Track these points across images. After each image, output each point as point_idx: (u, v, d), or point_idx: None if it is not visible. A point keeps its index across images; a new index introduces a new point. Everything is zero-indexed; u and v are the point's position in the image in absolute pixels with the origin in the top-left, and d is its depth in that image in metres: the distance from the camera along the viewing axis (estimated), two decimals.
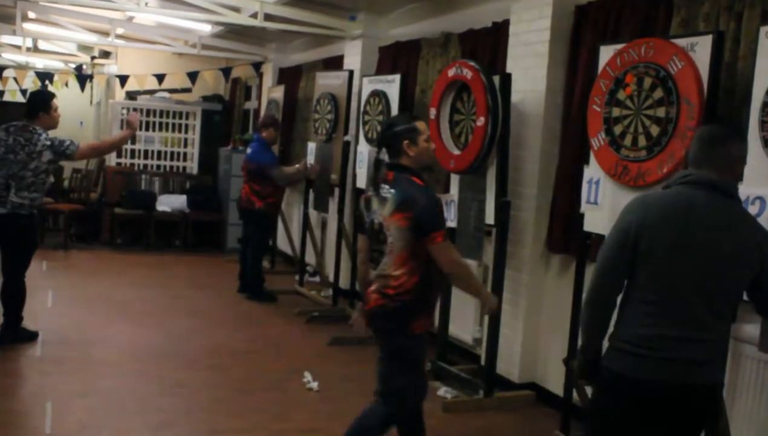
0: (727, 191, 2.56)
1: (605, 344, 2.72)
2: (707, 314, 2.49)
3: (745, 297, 3.12)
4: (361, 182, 6.50)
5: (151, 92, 11.28)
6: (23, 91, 12.56)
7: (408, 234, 3.26)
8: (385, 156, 3.46)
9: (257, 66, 10.40)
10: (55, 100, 5.61)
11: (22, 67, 13.14)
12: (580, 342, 2.77)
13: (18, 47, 11.83)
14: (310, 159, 7.45)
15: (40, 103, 5.53)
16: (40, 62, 13.98)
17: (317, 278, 8.27)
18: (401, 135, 3.39)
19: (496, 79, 4.76)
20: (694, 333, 2.48)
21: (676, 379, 2.49)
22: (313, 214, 7.87)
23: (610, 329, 2.69)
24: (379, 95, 6.20)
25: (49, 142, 5.35)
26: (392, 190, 3.31)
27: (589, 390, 4.23)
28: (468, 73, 4.84)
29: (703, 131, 2.73)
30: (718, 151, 2.60)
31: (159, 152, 11.17)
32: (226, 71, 10.73)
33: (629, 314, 2.58)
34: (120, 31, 9.58)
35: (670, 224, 2.50)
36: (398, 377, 3.46)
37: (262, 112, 9.52)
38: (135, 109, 10.77)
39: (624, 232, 2.55)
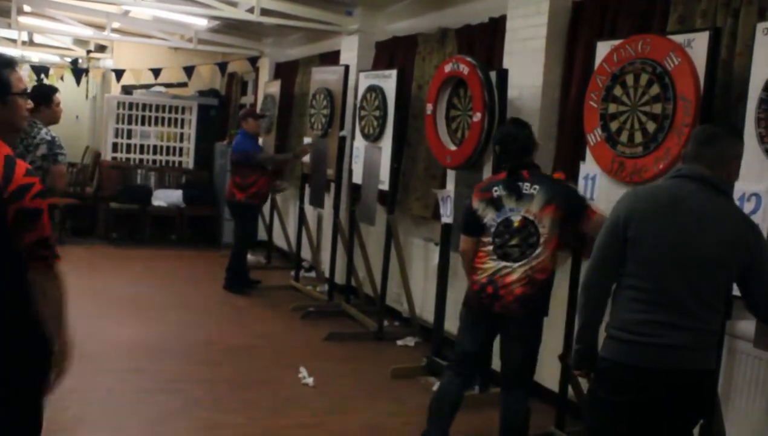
0: (717, 186, 2.60)
1: (601, 335, 2.73)
2: (694, 303, 2.53)
3: (739, 293, 3.13)
4: (357, 178, 6.50)
5: (147, 87, 11.24)
6: None
7: (561, 222, 3.65)
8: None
9: (253, 61, 10.38)
10: (58, 95, 5.58)
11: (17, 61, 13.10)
12: (576, 332, 2.80)
13: (13, 41, 11.78)
14: (306, 156, 7.45)
15: (42, 97, 5.49)
16: (36, 56, 13.93)
17: (313, 274, 8.27)
18: (531, 135, 3.88)
19: (493, 74, 4.76)
20: (681, 320, 2.52)
21: (664, 364, 2.52)
22: (309, 209, 7.87)
23: (606, 320, 2.72)
24: (375, 90, 6.19)
25: (49, 138, 5.32)
26: (536, 187, 3.64)
27: (584, 384, 4.24)
28: (465, 69, 4.83)
29: (699, 130, 2.78)
30: (712, 148, 2.64)
31: (155, 147, 11.14)
32: (223, 66, 10.70)
33: (619, 301, 2.64)
34: (116, 25, 9.54)
35: (657, 213, 2.58)
36: (535, 358, 3.82)
37: (258, 107, 9.51)
38: (130, 104, 10.82)
39: (614, 221, 2.65)
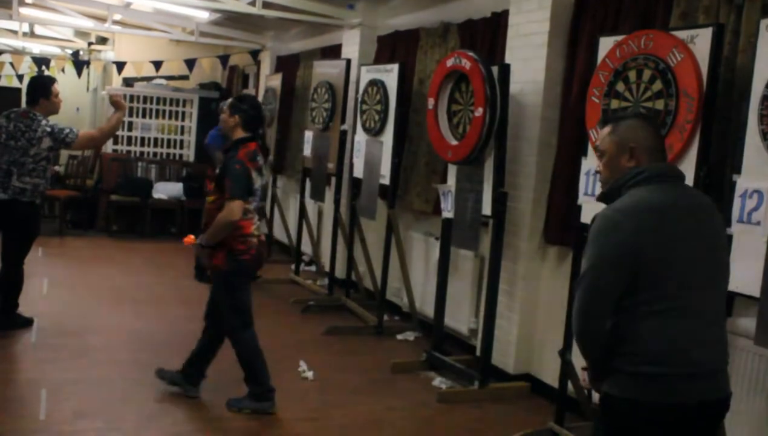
0: (683, 177, 2.42)
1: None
2: (719, 312, 2.36)
3: (741, 290, 3.13)
4: (358, 172, 6.49)
5: (148, 79, 11.23)
6: (20, 77, 12.51)
7: None
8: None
9: (255, 54, 10.36)
10: (56, 85, 5.57)
11: (18, 53, 13.07)
12: (585, 359, 2.48)
13: (14, 32, 11.75)
14: (307, 149, 7.45)
15: (41, 89, 5.49)
16: (37, 48, 13.90)
17: (313, 268, 8.27)
18: None
19: (495, 69, 4.75)
20: (714, 334, 2.32)
21: (709, 396, 2.29)
22: (309, 203, 7.86)
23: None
24: (377, 85, 6.18)
25: (49, 129, 5.33)
26: None
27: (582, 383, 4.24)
28: (467, 64, 4.82)
29: (648, 124, 2.50)
30: (660, 137, 2.48)
31: (155, 139, 11.14)
32: (224, 59, 10.69)
33: (641, 331, 2.26)
34: (117, 17, 9.51)
35: (671, 227, 2.27)
36: None
37: (260, 101, 9.49)
38: (131, 97, 10.81)
39: (615, 252, 2.26)
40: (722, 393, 2.35)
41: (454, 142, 5.01)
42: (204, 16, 9.26)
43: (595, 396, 4.23)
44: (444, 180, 5.46)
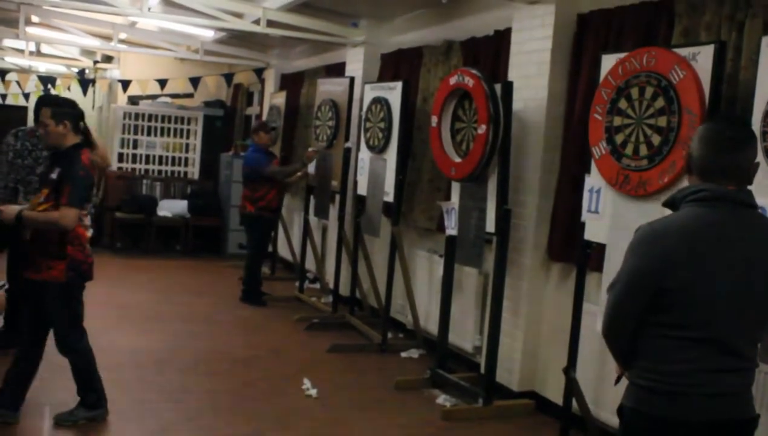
0: (750, 204, 2.28)
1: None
2: (745, 343, 2.27)
3: None
4: (362, 189, 6.51)
5: (153, 97, 11.30)
6: (26, 95, 12.61)
7: None
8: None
9: (259, 72, 10.42)
10: None
11: (24, 71, 13.17)
12: (612, 355, 2.49)
13: (21, 51, 11.85)
14: (311, 166, 7.47)
15: None
16: (43, 66, 14.00)
17: (317, 285, 8.26)
18: None
19: (498, 87, 4.76)
20: (733, 364, 2.24)
21: (714, 415, 2.25)
22: (313, 220, 7.87)
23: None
24: (380, 102, 6.21)
25: None
26: None
27: (589, 398, 4.22)
28: (470, 81, 4.84)
29: (712, 133, 2.29)
30: (735, 158, 2.25)
31: (160, 157, 11.20)
32: (229, 77, 10.75)
33: (659, 351, 2.27)
34: (123, 36, 9.59)
35: (701, 254, 2.20)
36: None
37: (264, 118, 9.54)
38: (136, 115, 10.86)
39: (640, 272, 2.25)
40: (741, 414, 2.31)
41: (458, 160, 5.02)
42: (209, 34, 9.32)
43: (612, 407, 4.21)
44: (448, 197, 5.47)
